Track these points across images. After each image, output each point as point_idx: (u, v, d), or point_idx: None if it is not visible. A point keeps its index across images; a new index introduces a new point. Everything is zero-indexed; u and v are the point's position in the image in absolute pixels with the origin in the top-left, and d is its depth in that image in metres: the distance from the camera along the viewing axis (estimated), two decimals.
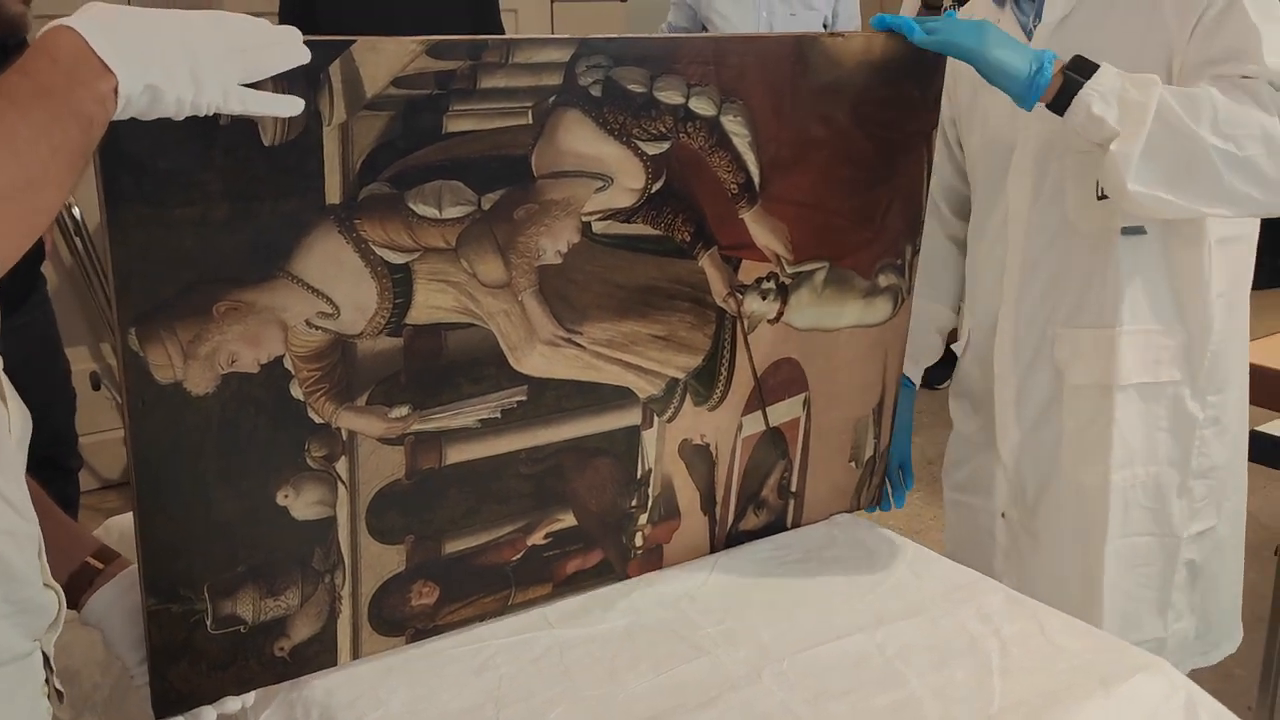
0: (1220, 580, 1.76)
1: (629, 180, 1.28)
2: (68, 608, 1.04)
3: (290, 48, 0.99)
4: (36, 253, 2.48)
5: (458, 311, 1.23)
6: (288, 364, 1.14)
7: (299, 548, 1.21)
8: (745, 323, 1.44)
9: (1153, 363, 1.63)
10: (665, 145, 1.29)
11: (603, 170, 1.26)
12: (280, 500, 1.18)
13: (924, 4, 3.65)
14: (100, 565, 1.18)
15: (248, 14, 0.97)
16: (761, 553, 1.54)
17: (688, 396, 1.43)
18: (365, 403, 1.20)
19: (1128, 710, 1.22)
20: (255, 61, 0.96)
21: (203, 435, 1.11)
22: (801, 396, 1.53)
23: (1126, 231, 1.58)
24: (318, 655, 1.26)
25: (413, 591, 1.30)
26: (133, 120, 0.90)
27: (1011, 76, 1.39)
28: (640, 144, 1.27)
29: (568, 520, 1.39)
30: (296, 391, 1.16)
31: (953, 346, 1.91)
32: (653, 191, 1.30)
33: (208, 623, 1.17)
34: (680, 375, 1.41)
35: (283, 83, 1.01)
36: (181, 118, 0.92)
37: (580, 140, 1.23)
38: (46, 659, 1.01)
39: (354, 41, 1.07)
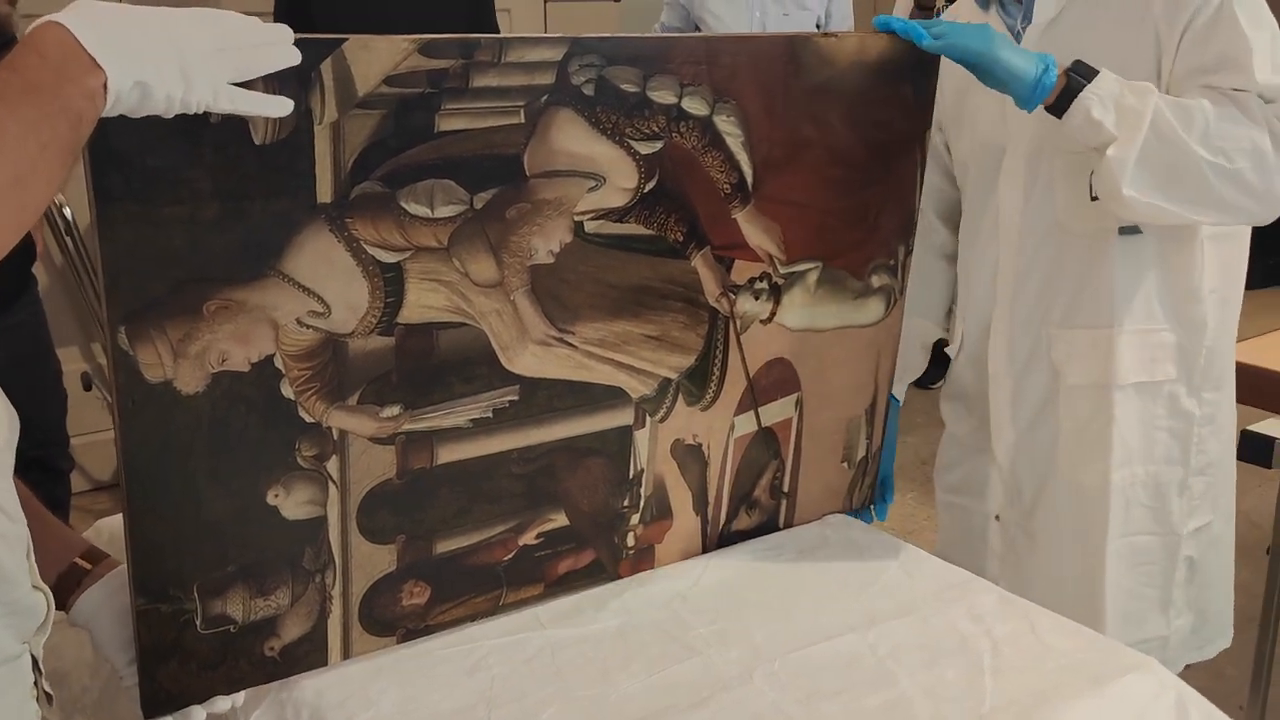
0: (1215, 575, 1.77)
1: (621, 180, 1.28)
2: (56, 609, 1.04)
3: (281, 48, 0.99)
4: (27, 253, 2.47)
5: (449, 311, 1.22)
6: (278, 363, 1.14)
7: (289, 547, 1.21)
8: (738, 323, 1.44)
9: (1150, 361, 1.63)
10: (658, 145, 1.29)
11: (595, 170, 1.26)
12: (271, 500, 1.18)
13: (916, 5, 3.65)
14: (88, 566, 1.17)
15: (242, 12, 0.97)
16: (754, 553, 1.54)
17: (680, 396, 1.42)
18: (356, 402, 1.20)
19: (1118, 709, 1.22)
20: (246, 61, 0.96)
21: (193, 434, 1.11)
22: (794, 397, 1.53)
23: (1124, 231, 1.59)
24: (308, 655, 1.26)
25: (404, 591, 1.30)
26: (122, 118, 0.89)
27: (1019, 79, 1.40)
28: (633, 143, 1.27)
29: (559, 520, 1.38)
30: (287, 390, 1.15)
31: (945, 349, 1.91)
32: (645, 191, 1.30)
33: (197, 622, 1.17)
34: (673, 375, 1.41)
35: (274, 82, 1.00)
36: (171, 115, 0.91)
37: (573, 139, 1.23)
38: (35, 661, 1.01)
39: (346, 39, 1.07)
